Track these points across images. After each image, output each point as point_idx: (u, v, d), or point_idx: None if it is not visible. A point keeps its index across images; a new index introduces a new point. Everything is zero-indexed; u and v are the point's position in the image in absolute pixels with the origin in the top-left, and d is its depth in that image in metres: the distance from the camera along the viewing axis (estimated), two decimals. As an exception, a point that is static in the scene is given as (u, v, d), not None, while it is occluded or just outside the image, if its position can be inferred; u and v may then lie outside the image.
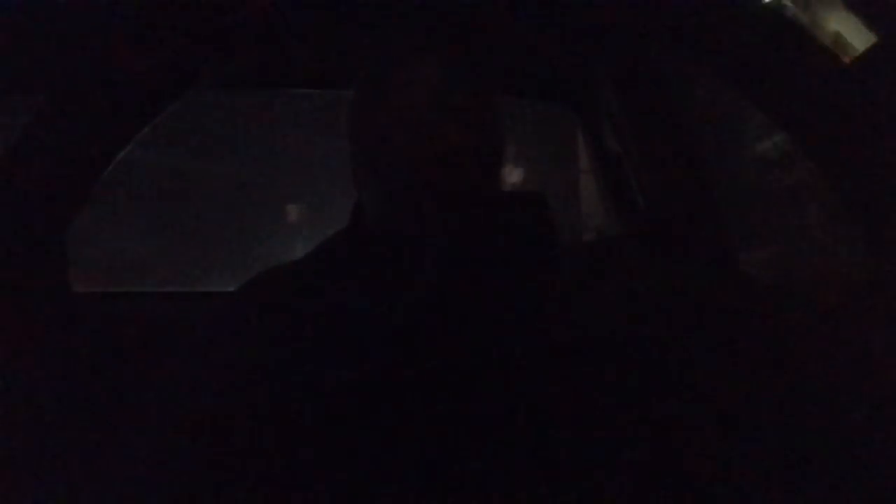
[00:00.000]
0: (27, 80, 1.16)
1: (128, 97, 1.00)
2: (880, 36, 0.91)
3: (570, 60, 1.40)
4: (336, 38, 1.20)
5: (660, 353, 0.74)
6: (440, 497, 0.68)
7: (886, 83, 0.90)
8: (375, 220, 0.81)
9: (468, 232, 0.77)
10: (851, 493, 0.79)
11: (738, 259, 1.29)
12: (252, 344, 0.74)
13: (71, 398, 1.08)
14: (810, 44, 0.94)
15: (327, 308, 0.74)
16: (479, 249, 0.78)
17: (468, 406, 0.70)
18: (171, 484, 0.71)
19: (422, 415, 0.70)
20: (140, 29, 0.95)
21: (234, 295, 0.81)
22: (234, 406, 0.72)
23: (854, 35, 0.93)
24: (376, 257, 0.79)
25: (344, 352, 0.71)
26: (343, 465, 0.69)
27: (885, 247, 0.92)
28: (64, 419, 1.05)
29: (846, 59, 0.92)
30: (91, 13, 0.99)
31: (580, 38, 1.28)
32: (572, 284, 0.77)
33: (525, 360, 0.72)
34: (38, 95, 1.11)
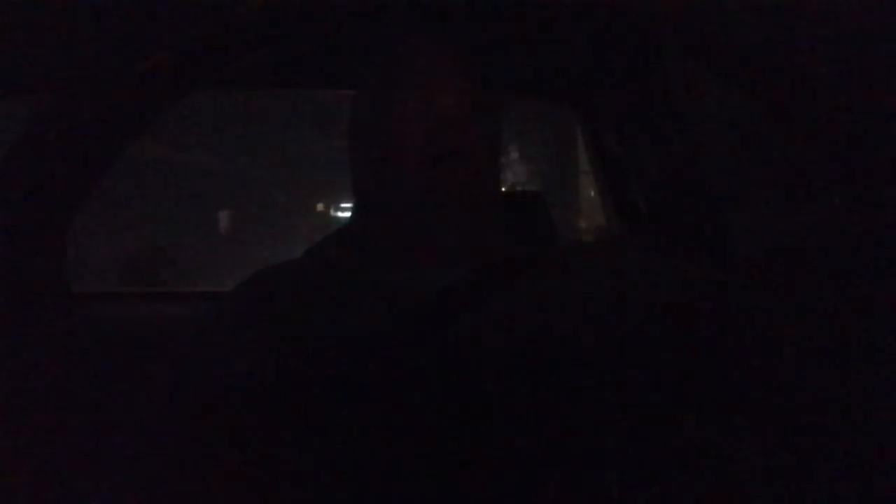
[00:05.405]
0: (27, 80, 1.16)
1: (129, 97, 1.00)
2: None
3: (571, 60, 1.40)
4: (336, 38, 1.20)
5: (658, 353, 0.74)
6: (435, 494, 0.68)
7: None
8: (374, 219, 0.81)
9: (466, 232, 0.77)
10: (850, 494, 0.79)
11: (737, 259, 1.29)
12: (249, 343, 0.74)
13: (71, 398, 1.08)
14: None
15: (325, 307, 0.74)
16: (478, 249, 0.78)
17: (465, 404, 0.70)
18: (170, 483, 0.72)
19: (418, 413, 0.70)
20: (141, 29, 0.95)
21: (232, 294, 0.81)
22: (232, 404, 0.72)
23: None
24: (374, 256, 0.79)
25: (341, 351, 0.72)
26: (340, 463, 0.69)
27: (882, 240, 0.91)
28: (63, 419, 1.06)
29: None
30: (91, 13, 0.99)
31: (580, 38, 1.28)
32: (571, 284, 0.77)
33: (523, 359, 0.72)
34: (38, 95, 1.11)
